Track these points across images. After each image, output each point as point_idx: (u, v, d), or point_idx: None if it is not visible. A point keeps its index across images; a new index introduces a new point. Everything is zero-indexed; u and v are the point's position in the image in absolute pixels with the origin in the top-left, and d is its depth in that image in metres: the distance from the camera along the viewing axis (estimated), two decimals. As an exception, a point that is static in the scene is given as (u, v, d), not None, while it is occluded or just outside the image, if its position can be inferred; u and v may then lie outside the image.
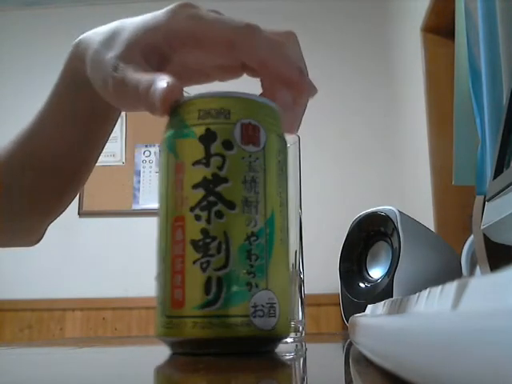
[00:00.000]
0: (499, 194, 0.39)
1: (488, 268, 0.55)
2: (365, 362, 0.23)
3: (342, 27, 2.44)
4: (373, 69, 2.37)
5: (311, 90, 0.32)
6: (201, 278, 0.26)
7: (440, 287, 0.16)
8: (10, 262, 2.15)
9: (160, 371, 0.24)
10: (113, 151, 2.44)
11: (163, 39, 0.32)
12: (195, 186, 0.27)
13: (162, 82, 0.29)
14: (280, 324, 0.27)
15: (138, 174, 2.41)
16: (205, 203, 0.27)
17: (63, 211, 0.45)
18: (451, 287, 0.15)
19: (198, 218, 0.27)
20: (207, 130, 0.27)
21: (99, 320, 2.24)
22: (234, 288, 0.26)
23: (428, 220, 1.55)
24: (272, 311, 0.27)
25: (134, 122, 2.42)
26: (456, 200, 1.53)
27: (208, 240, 0.26)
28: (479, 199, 0.61)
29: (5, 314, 2.24)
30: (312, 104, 0.33)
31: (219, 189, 0.27)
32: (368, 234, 0.78)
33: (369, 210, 0.78)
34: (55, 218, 0.46)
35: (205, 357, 0.26)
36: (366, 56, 2.40)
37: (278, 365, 0.25)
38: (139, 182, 2.40)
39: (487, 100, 0.69)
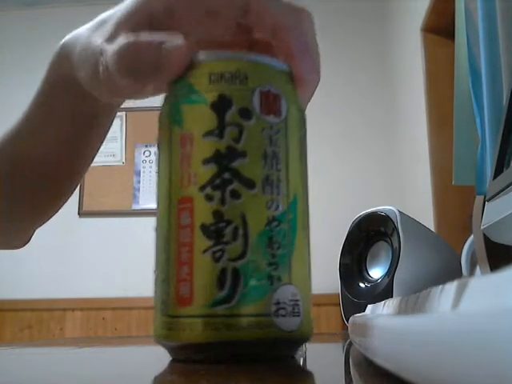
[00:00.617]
0: (499, 193, 0.39)
1: (488, 268, 0.55)
2: (365, 362, 0.23)
3: (341, 27, 2.44)
4: (373, 69, 2.37)
5: (310, 79, 0.28)
6: (213, 269, 0.22)
7: (440, 287, 0.16)
8: (10, 262, 2.15)
9: (164, 379, 0.21)
10: (113, 151, 2.44)
11: (163, 10, 0.27)
12: (206, 162, 0.23)
13: (174, 39, 0.25)
14: (304, 324, 0.23)
15: (138, 174, 2.41)
16: (218, 181, 0.23)
17: (55, 213, 0.44)
18: (451, 287, 0.15)
19: (209, 198, 0.23)
20: (220, 95, 0.24)
21: (99, 320, 2.24)
22: (253, 282, 0.22)
23: (428, 220, 1.55)
24: (296, 309, 0.23)
25: (134, 122, 2.42)
26: (456, 200, 1.53)
27: (222, 224, 0.22)
28: (479, 199, 0.61)
29: (5, 314, 2.24)
30: (311, 103, 0.32)
31: (235, 164, 0.23)
32: (368, 234, 0.78)
33: (369, 210, 0.78)
34: (46, 221, 0.45)
35: (207, 363, 0.22)
36: (365, 56, 2.40)
37: (281, 366, 0.25)
38: (139, 182, 2.40)
39: (487, 100, 0.69)
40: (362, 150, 2.31)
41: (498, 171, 0.42)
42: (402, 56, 2.12)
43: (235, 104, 0.23)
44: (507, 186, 0.37)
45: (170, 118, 0.25)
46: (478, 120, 0.76)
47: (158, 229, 0.25)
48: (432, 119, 1.64)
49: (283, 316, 0.22)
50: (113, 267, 2.26)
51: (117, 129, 2.45)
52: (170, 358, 0.25)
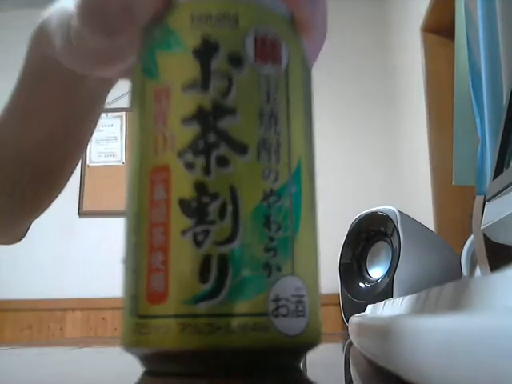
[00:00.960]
0: (499, 193, 0.39)
1: (488, 268, 0.55)
2: (365, 362, 0.23)
3: (341, 28, 2.44)
4: (373, 68, 2.38)
5: (317, 27, 0.23)
6: (194, 256, 0.18)
7: (440, 287, 0.16)
8: (10, 262, 2.15)
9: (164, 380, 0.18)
10: (113, 151, 2.44)
11: None
12: (186, 121, 0.19)
13: None
14: (310, 326, 0.19)
15: (138, 174, 2.42)
16: (201, 145, 0.18)
17: (50, 204, 0.43)
18: (451, 287, 0.15)
19: (189, 166, 0.18)
20: (205, 39, 0.19)
21: (99, 320, 2.24)
22: (246, 272, 0.17)
23: (428, 220, 1.55)
24: (301, 308, 0.18)
25: (134, 122, 2.43)
26: (456, 200, 1.53)
27: (206, 199, 0.18)
28: (479, 199, 0.61)
29: (5, 314, 2.24)
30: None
31: (223, 124, 0.18)
32: (368, 234, 0.78)
33: (369, 210, 0.78)
34: (42, 213, 0.43)
35: (186, 376, 0.18)
36: (365, 56, 2.40)
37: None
38: (139, 182, 2.40)
39: (487, 100, 0.69)
40: (361, 150, 2.31)
41: (498, 171, 0.42)
42: (402, 56, 2.12)
43: (223, 49, 0.19)
44: (507, 186, 0.37)
45: (144, 68, 0.20)
46: (477, 120, 0.76)
47: (127, 207, 0.20)
48: (432, 119, 1.64)
49: (284, 316, 0.18)
50: (113, 267, 2.25)
51: (117, 129, 2.45)
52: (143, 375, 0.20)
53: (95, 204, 2.36)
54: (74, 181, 2.32)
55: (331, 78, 2.27)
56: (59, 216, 2.22)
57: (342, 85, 2.36)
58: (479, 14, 0.73)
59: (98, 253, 2.29)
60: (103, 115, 2.39)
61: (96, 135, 2.42)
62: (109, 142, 2.42)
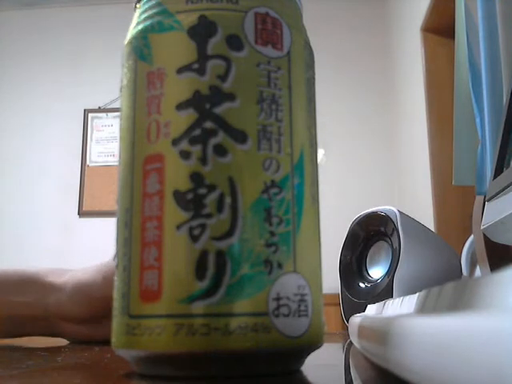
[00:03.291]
0: (499, 193, 0.39)
1: (488, 268, 0.55)
2: (365, 362, 0.23)
3: (341, 27, 2.44)
4: (373, 69, 2.38)
5: None
6: (190, 252, 0.16)
7: (440, 287, 0.16)
8: (10, 262, 2.15)
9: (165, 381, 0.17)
10: (113, 151, 2.44)
11: None
12: (182, 106, 0.18)
13: None
14: (313, 327, 0.18)
15: (138, 173, 2.42)
16: (197, 132, 0.17)
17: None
18: (451, 287, 0.15)
19: (185, 155, 0.17)
20: (202, 18, 0.18)
21: (99, 320, 2.24)
22: (245, 269, 0.16)
23: (428, 220, 1.55)
24: (303, 307, 0.17)
25: (134, 122, 2.43)
26: (456, 200, 1.53)
27: (202, 191, 0.17)
28: (479, 199, 0.61)
29: (5, 314, 2.24)
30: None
31: (221, 110, 0.17)
32: (368, 234, 0.78)
33: (369, 210, 0.78)
34: None
35: (182, 380, 0.17)
36: (365, 56, 2.40)
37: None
38: (139, 181, 2.40)
39: (487, 100, 0.69)
40: (361, 150, 2.31)
41: (498, 171, 0.42)
42: (402, 56, 2.12)
43: (221, 29, 0.18)
44: (507, 186, 0.37)
45: (136, 51, 0.19)
46: (477, 120, 0.76)
47: (118, 200, 0.19)
48: (432, 119, 1.64)
49: (286, 316, 0.17)
50: (113, 267, 2.26)
51: (117, 129, 2.45)
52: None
53: (95, 204, 2.36)
54: (74, 181, 2.32)
55: (331, 79, 2.27)
56: (59, 216, 2.22)
57: (342, 86, 2.36)
58: (479, 14, 0.73)
59: (98, 253, 2.29)
60: (103, 115, 2.39)
61: (96, 135, 2.42)
62: (109, 142, 2.43)
